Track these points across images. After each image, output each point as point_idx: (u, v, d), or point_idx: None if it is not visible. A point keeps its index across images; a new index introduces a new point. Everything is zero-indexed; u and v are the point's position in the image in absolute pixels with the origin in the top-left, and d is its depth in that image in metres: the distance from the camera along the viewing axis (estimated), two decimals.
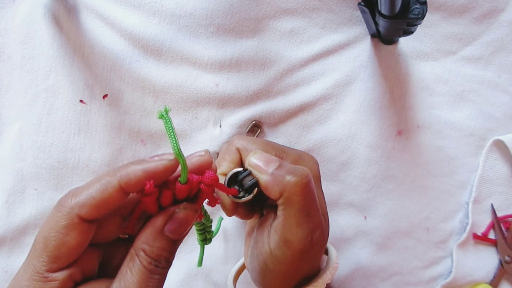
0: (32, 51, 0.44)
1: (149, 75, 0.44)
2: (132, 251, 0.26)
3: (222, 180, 0.33)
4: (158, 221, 0.26)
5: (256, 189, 0.32)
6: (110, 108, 0.44)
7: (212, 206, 0.30)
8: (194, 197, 0.28)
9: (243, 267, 0.43)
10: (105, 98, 0.44)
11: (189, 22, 0.44)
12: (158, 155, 0.26)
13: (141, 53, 0.44)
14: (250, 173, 0.32)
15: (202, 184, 0.27)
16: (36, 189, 0.44)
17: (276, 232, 0.32)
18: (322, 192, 0.36)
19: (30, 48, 0.43)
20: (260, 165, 0.32)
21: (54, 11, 0.43)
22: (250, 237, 0.37)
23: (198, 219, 0.31)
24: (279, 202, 0.31)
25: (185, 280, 0.46)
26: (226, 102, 0.45)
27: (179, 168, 0.26)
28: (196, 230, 0.36)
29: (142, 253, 0.25)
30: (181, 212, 0.26)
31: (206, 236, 0.37)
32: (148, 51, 0.44)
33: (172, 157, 0.25)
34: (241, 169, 0.33)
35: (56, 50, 0.43)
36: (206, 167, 0.28)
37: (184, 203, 0.27)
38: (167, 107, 0.25)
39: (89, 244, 0.26)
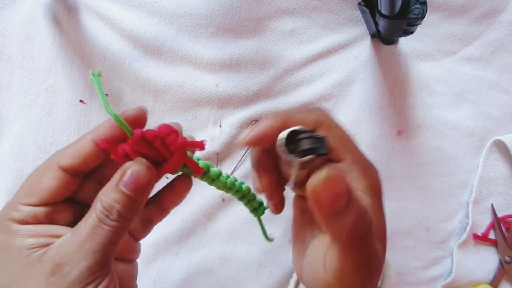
0: (32, 51, 0.44)
1: (149, 75, 0.44)
2: (93, 203, 0.27)
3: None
4: (116, 175, 0.27)
5: (313, 156, 0.24)
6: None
7: (198, 174, 0.29)
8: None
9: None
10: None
11: (189, 22, 0.44)
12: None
13: (141, 53, 0.44)
14: (312, 134, 0.24)
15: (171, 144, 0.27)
16: None
17: (332, 263, 0.26)
18: (384, 211, 0.30)
19: (30, 48, 0.43)
20: (325, 203, 0.23)
21: (54, 11, 0.43)
22: (299, 240, 0.32)
23: (198, 174, 0.29)
24: (332, 242, 0.26)
25: (185, 280, 0.46)
26: (226, 102, 0.45)
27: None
28: (239, 200, 0.33)
29: (98, 204, 0.26)
30: (133, 166, 0.27)
31: (254, 206, 0.33)
32: (148, 51, 0.44)
33: (137, 107, 0.28)
34: (301, 127, 0.25)
35: (56, 50, 0.43)
36: (140, 119, 0.28)
37: (137, 157, 0.27)
38: (99, 71, 0.27)
39: (71, 201, 0.29)
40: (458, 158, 0.49)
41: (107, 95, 0.44)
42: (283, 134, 0.25)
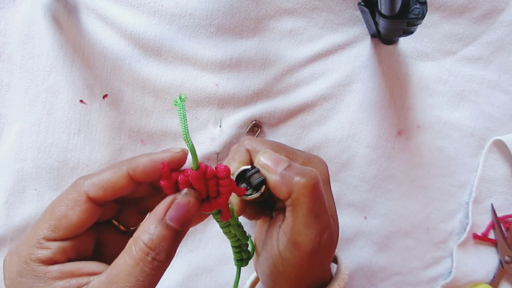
0: (32, 51, 0.44)
1: (149, 75, 0.44)
2: (130, 242, 0.25)
3: None
4: (159, 208, 0.25)
5: (264, 187, 0.32)
6: (110, 108, 0.44)
7: (225, 219, 0.30)
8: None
9: (257, 280, 0.43)
10: (105, 98, 0.44)
11: (189, 22, 0.44)
12: (168, 148, 0.27)
13: (141, 53, 0.44)
14: (258, 171, 0.32)
15: (220, 182, 0.27)
16: (36, 189, 0.44)
17: (285, 234, 0.31)
18: (332, 194, 0.36)
19: (30, 48, 0.43)
20: (269, 164, 0.32)
21: (54, 11, 0.43)
22: (260, 241, 0.37)
23: (225, 219, 0.30)
24: (288, 203, 0.31)
25: (185, 280, 0.46)
26: (226, 102, 0.45)
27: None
28: (232, 247, 0.35)
29: (140, 242, 0.24)
30: (182, 197, 0.25)
31: (242, 256, 0.36)
32: (148, 51, 0.44)
33: (178, 149, 0.27)
34: (249, 166, 0.33)
35: (56, 50, 0.43)
36: (178, 163, 0.27)
37: (186, 188, 0.26)
38: (182, 95, 0.25)
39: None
40: (458, 158, 0.49)
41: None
42: (233, 178, 0.32)
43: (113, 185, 0.26)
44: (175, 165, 0.26)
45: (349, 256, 0.48)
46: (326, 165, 0.37)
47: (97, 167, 0.45)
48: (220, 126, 0.46)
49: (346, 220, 0.48)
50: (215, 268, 0.46)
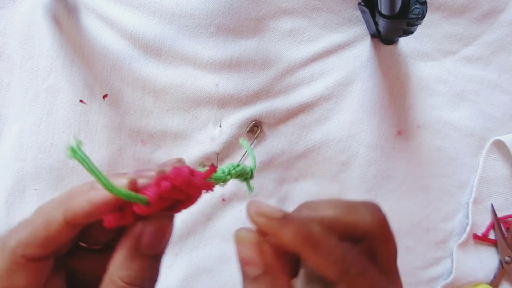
0: (32, 51, 0.44)
1: (149, 75, 0.44)
2: (106, 280, 0.22)
3: None
4: (130, 240, 0.22)
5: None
6: (110, 108, 0.44)
7: (210, 190, 0.25)
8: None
9: None
10: (105, 98, 0.44)
11: (189, 22, 0.44)
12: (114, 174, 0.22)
13: (141, 53, 0.44)
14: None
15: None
16: (36, 189, 0.44)
17: None
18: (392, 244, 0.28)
19: (30, 48, 0.43)
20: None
21: (54, 11, 0.43)
22: None
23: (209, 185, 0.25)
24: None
25: (185, 280, 0.46)
26: (226, 102, 0.45)
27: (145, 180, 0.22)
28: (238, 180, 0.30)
29: (119, 282, 0.21)
30: (153, 222, 0.22)
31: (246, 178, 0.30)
32: (148, 51, 0.44)
33: (124, 182, 0.22)
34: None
35: (56, 50, 0.43)
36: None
37: (155, 213, 0.22)
38: (76, 140, 0.21)
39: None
40: (458, 158, 0.49)
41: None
42: None
43: (52, 238, 0.21)
44: (115, 205, 0.22)
45: None
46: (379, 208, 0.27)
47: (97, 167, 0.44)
48: (220, 126, 0.46)
49: None
50: (215, 268, 0.46)
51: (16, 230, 0.22)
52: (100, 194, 0.21)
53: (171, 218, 0.23)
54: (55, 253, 0.23)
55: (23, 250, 0.21)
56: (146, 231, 0.22)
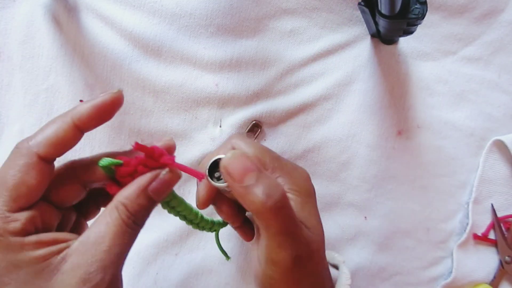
0: (32, 51, 0.44)
1: (149, 75, 0.44)
2: (111, 205, 0.26)
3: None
4: (144, 180, 0.27)
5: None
6: None
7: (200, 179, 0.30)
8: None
9: None
10: None
11: (189, 22, 0.44)
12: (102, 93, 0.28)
13: (141, 53, 0.44)
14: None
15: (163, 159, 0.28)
16: None
17: (262, 252, 0.31)
18: (315, 205, 0.34)
19: (30, 48, 0.43)
20: (235, 173, 0.29)
21: (54, 11, 0.43)
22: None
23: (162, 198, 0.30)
24: (256, 220, 0.30)
25: (185, 280, 0.46)
26: (226, 102, 0.45)
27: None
28: (189, 223, 0.36)
29: (122, 207, 0.26)
30: (167, 174, 0.27)
31: (206, 226, 0.37)
32: (148, 51, 0.44)
33: (115, 90, 0.28)
34: (224, 155, 0.30)
35: (56, 50, 0.43)
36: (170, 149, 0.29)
37: (169, 168, 0.28)
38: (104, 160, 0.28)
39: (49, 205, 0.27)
40: (458, 158, 0.49)
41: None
42: (207, 166, 0.32)
43: (62, 139, 0.26)
44: (114, 109, 0.28)
45: (349, 256, 0.48)
46: (309, 177, 0.35)
47: None
48: (220, 126, 0.46)
49: (346, 220, 0.48)
50: (215, 268, 0.46)
51: (33, 135, 0.26)
52: (100, 99, 0.27)
53: (179, 177, 0.28)
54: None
55: (38, 149, 0.25)
56: (159, 177, 0.27)
